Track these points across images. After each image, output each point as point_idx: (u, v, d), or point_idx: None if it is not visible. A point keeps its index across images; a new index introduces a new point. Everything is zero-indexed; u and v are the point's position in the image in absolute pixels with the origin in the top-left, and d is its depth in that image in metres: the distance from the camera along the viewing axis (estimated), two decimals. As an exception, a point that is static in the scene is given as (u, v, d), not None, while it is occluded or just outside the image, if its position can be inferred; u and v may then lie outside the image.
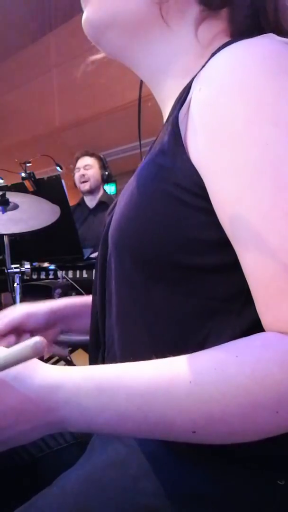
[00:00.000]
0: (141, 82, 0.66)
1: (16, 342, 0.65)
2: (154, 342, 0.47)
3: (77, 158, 2.85)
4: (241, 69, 0.40)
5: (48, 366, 0.41)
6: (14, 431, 0.39)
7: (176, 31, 0.52)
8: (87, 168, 2.79)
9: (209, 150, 0.41)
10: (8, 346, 0.64)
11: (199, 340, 0.43)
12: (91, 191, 2.83)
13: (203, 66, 0.45)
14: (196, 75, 0.46)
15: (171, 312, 0.46)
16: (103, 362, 0.56)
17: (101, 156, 2.87)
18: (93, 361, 0.60)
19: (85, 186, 2.80)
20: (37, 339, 0.37)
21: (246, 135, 0.38)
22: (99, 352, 0.58)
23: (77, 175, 2.83)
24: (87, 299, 0.67)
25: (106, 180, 2.85)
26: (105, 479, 0.46)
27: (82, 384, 0.39)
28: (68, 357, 2.34)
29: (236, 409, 0.35)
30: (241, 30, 0.49)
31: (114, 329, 0.52)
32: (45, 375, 0.40)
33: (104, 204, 2.80)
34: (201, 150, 0.42)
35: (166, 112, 0.55)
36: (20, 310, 0.66)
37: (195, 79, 0.46)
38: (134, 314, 0.49)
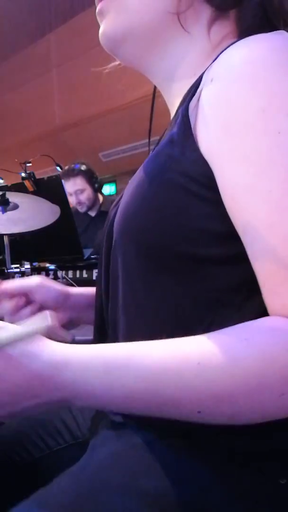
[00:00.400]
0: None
1: (24, 307, 0.66)
2: (158, 332, 0.47)
3: (61, 179, 2.75)
4: (254, 60, 0.41)
5: (55, 344, 0.41)
6: (19, 407, 0.40)
7: (191, 35, 0.53)
8: (79, 193, 2.70)
9: (220, 140, 0.42)
10: (17, 307, 0.64)
11: (201, 332, 0.43)
12: (90, 207, 2.79)
13: (213, 61, 0.46)
14: (205, 69, 0.47)
15: (174, 303, 0.46)
16: None
17: (84, 168, 2.72)
18: None
19: (83, 208, 2.75)
20: (49, 320, 0.36)
21: (258, 124, 0.39)
22: (103, 342, 0.58)
23: (70, 200, 2.73)
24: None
25: (98, 188, 2.77)
26: (105, 478, 0.46)
27: (90, 362, 0.40)
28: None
29: (243, 391, 0.36)
30: (249, 31, 0.50)
31: (119, 320, 0.52)
32: (52, 353, 0.40)
33: (106, 213, 2.75)
34: (212, 139, 0.43)
35: (173, 110, 0.56)
36: (35, 278, 0.66)
37: (206, 72, 0.47)
38: (139, 304, 0.49)
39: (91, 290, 0.69)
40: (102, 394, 0.40)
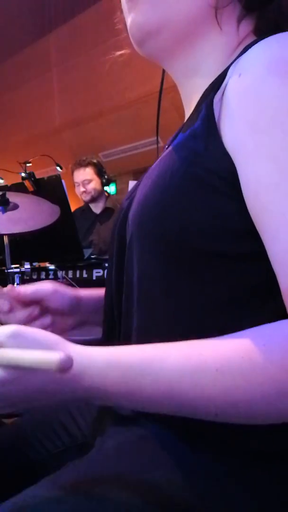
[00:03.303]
0: (163, 74, 0.66)
1: (38, 317, 0.63)
2: (172, 330, 0.47)
3: (73, 170, 2.77)
4: (285, 57, 0.40)
5: (72, 352, 0.41)
6: (36, 405, 0.43)
7: (222, 31, 0.53)
8: (86, 182, 2.73)
9: (246, 135, 0.41)
10: (30, 317, 0.62)
11: (217, 331, 0.43)
12: (94, 199, 2.80)
13: (237, 57, 0.46)
14: (231, 64, 0.47)
15: (190, 300, 0.46)
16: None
17: (95, 161, 2.79)
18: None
19: (87, 197, 2.77)
20: (63, 357, 0.36)
21: (286, 122, 0.39)
22: (113, 339, 0.58)
23: (77, 190, 2.78)
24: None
25: (106, 183, 2.81)
26: (119, 467, 0.46)
27: (107, 371, 0.40)
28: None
29: (261, 397, 0.36)
30: (269, 29, 0.49)
31: (133, 314, 0.52)
32: None
33: (111, 210, 2.78)
34: (237, 135, 0.42)
35: (191, 105, 0.55)
36: (48, 285, 0.64)
37: (232, 66, 0.46)
38: (154, 301, 0.49)
39: (99, 292, 0.67)
40: (120, 399, 0.41)
